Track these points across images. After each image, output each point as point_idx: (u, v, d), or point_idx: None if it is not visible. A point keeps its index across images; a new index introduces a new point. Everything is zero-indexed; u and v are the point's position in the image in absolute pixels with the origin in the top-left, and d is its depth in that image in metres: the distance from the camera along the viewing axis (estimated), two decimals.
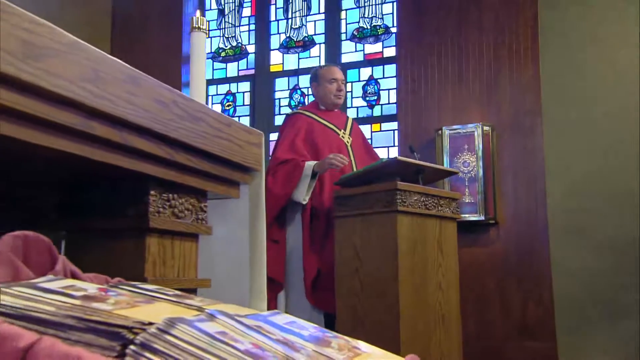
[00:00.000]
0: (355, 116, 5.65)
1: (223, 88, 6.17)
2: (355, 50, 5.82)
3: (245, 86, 6.12)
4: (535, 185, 4.87)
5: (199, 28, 2.09)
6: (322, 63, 5.86)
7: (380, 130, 5.57)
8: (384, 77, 5.67)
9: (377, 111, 5.63)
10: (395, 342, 2.69)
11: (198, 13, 2.09)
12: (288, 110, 5.94)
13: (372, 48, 5.77)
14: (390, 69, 5.64)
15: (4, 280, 0.86)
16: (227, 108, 6.12)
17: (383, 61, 5.71)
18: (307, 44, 5.96)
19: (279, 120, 5.95)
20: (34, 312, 0.73)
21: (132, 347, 0.68)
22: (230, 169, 1.57)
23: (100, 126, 1.14)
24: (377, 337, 2.77)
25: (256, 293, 1.64)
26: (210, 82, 6.20)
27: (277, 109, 6.01)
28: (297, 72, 5.96)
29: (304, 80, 5.93)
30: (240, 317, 0.82)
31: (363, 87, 5.69)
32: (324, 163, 3.31)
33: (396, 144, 5.43)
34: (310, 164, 3.35)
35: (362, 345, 0.89)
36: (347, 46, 5.85)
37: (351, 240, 2.88)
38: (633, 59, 4.65)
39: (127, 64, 1.23)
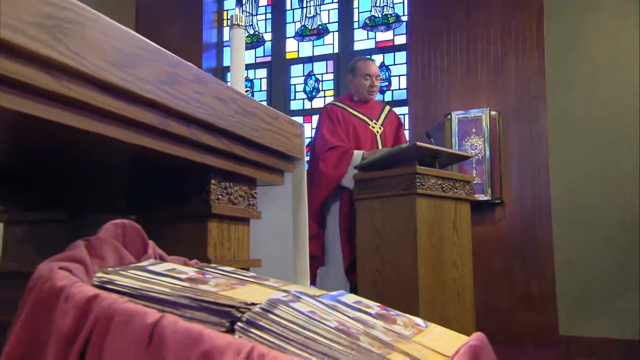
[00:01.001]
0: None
1: None
2: (367, 38, 5.85)
3: (262, 72, 6.16)
4: (539, 167, 4.93)
5: (238, 25, 2.15)
6: (336, 50, 5.91)
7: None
8: (394, 64, 5.71)
9: (388, 96, 5.67)
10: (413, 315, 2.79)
11: (237, 11, 2.15)
12: (303, 96, 6.00)
13: (384, 36, 5.79)
14: (401, 56, 5.69)
15: (113, 264, 0.94)
16: (245, 93, 6.16)
17: (394, 48, 5.74)
18: (321, 32, 5.99)
19: (294, 105, 6.01)
20: (152, 293, 0.81)
21: (239, 324, 0.76)
22: (277, 158, 1.65)
23: (175, 124, 1.21)
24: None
25: (300, 271, 1.73)
26: (228, 69, 6.24)
27: (292, 94, 6.05)
28: (311, 59, 6.00)
29: (318, 67, 5.98)
30: (318, 298, 0.90)
31: None
32: (374, 153, 3.41)
33: (407, 127, 5.48)
34: (359, 153, 3.45)
35: (420, 321, 0.97)
36: (359, 34, 5.88)
37: (372, 221, 2.96)
38: (635, 46, 4.68)
39: (194, 65, 1.29)
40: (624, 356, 4.55)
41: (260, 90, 6.14)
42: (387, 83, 5.69)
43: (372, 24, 5.79)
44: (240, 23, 2.14)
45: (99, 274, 0.85)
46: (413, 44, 5.41)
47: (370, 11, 5.81)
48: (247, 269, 1.58)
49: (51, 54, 0.88)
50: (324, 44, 6.00)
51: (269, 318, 0.75)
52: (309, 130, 5.88)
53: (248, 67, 6.17)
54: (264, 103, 5.93)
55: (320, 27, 5.99)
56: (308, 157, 3.90)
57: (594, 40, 4.85)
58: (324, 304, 0.87)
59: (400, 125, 3.97)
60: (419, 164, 2.94)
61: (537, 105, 4.95)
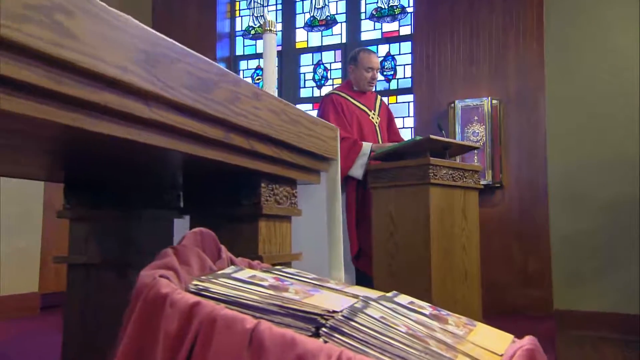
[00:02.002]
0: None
1: (253, 63, 6.25)
2: (374, 29, 5.87)
3: None
4: (536, 152, 5.00)
5: (270, 30, 2.20)
6: (344, 40, 5.94)
7: (397, 102, 5.68)
8: (400, 54, 5.75)
9: (393, 85, 5.72)
10: (427, 298, 2.88)
11: (269, 16, 2.20)
12: (312, 84, 6.04)
13: (390, 27, 5.82)
14: (406, 46, 5.72)
15: (197, 268, 1.02)
16: (257, 81, 6.20)
17: (399, 39, 5.77)
18: (330, 22, 6.02)
19: (304, 93, 6.05)
20: (243, 300, 0.89)
21: (324, 329, 0.84)
22: (316, 160, 1.72)
23: (235, 136, 1.28)
24: (410, 293, 2.96)
25: (334, 263, 1.81)
26: (241, 58, 6.28)
27: (302, 82, 6.09)
28: (320, 49, 6.03)
29: (327, 56, 6.01)
30: (381, 302, 0.99)
31: (381, 62, 5.76)
32: (384, 147, 3.45)
33: (411, 114, 5.55)
34: (367, 145, 3.50)
35: (467, 320, 1.05)
36: (366, 25, 5.90)
37: (387, 209, 3.03)
38: (634, 36, 4.72)
39: (251, 82, 1.36)
40: (613, 328, 4.66)
41: None
42: (392, 72, 5.73)
43: (378, 15, 5.82)
44: (273, 29, 2.19)
45: (195, 282, 0.93)
46: (418, 35, 5.45)
47: (377, 2, 5.83)
48: (289, 263, 1.67)
49: (148, 87, 0.96)
50: (332, 34, 6.03)
51: (350, 325, 0.83)
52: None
53: (260, 55, 6.22)
54: (275, 90, 6.03)
55: (329, 17, 6.02)
56: None
57: (593, 30, 4.88)
58: (387, 307, 0.95)
59: (391, 116, 4.00)
60: (430, 155, 3.02)
61: (536, 94, 5.01)
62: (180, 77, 1.04)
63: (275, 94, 2.30)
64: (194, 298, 0.87)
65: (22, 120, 0.82)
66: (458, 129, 5.07)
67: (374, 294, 1.07)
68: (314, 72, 6.04)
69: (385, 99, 5.58)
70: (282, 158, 1.51)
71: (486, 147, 5.00)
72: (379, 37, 5.83)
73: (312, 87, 6.03)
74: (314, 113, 5.84)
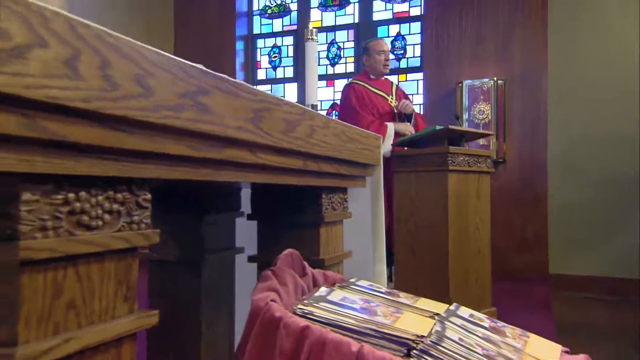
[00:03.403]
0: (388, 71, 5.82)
1: (270, 41, 6.26)
2: (385, 9, 5.88)
3: (289, 40, 6.21)
4: (538, 129, 5.10)
5: (312, 39, 2.28)
6: (356, 20, 5.96)
7: (406, 80, 5.74)
8: (410, 34, 5.77)
9: (403, 64, 5.76)
10: (444, 273, 3.04)
11: (310, 25, 2.27)
12: (326, 62, 6.08)
13: (400, 7, 5.83)
14: (416, 26, 5.75)
15: (292, 287, 1.14)
16: (273, 59, 6.24)
17: (410, 19, 5.79)
18: (343, 2, 6.01)
19: (318, 70, 6.07)
20: (343, 324, 1.01)
21: (415, 351, 0.97)
22: (364, 169, 1.83)
23: (310, 162, 1.39)
24: (429, 268, 3.11)
25: (378, 257, 1.94)
26: (258, 36, 6.29)
27: (317, 60, 6.12)
28: (334, 28, 6.04)
29: (340, 35, 6.03)
30: (451, 319, 1.11)
31: (392, 42, 5.80)
32: (406, 130, 3.57)
33: (420, 92, 5.62)
34: (391, 125, 3.62)
35: (521, 331, 1.18)
36: (377, 5, 5.91)
37: (407, 191, 3.15)
38: (634, 23, 4.77)
39: (323, 115, 1.46)
40: (602, 290, 4.84)
41: (287, 57, 6.20)
42: (402, 51, 5.77)
43: None
44: (314, 37, 2.26)
45: (300, 306, 1.05)
46: (428, 15, 5.47)
47: None
48: (342, 262, 1.79)
49: (255, 139, 1.06)
50: (345, 14, 6.03)
51: (437, 349, 0.96)
52: (331, 93, 6.01)
53: (276, 34, 6.23)
54: (291, 68, 6.08)
55: None
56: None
57: (594, 15, 4.91)
58: (458, 326, 1.08)
59: (406, 96, 4.10)
60: (448, 141, 3.13)
61: (539, 74, 5.08)
62: (275, 123, 1.14)
63: (316, 96, 2.40)
64: (304, 322, 1.00)
65: (165, 180, 0.92)
66: (465, 107, 5.15)
67: (439, 307, 1.20)
68: (328, 50, 6.07)
69: (395, 77, 5.65)
70: (341, 172, 1.62)
71: (491, 125, 5.10)
72: (390, 17, 5.85)
73: (326, 65, 6.07)
74: (329, 90, 5.91)
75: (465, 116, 5.10)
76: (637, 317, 3.85)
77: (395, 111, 3.86)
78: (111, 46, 0.71)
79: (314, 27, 2.30)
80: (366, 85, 3.87)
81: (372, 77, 3.95)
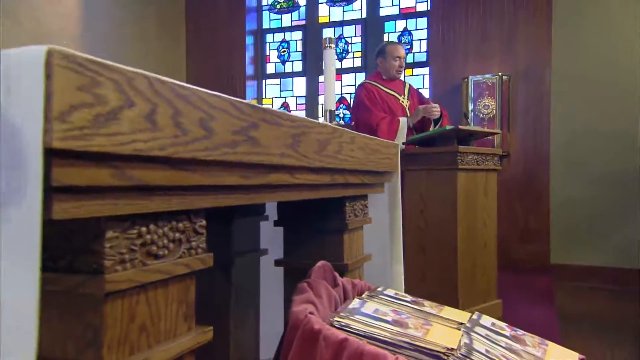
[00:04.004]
0: (401, 77, 5.86)
1: (279, 36, 6.29)
2: (392, 5, 5.89)
3: (297, 35, 6.23)
4: (541, 123, 5.15)
5: (330, 47, 2.33)
6: (364, 15, 5.98)
7: (412, 75, 5.77)
8: (416, 29, 5.80)
9: (409, 58, 5.79)
10: (453, 268, 3.11)
11: (329, 33, 2.31)
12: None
13: (407, 2, 5.84)
14: (422, 22, 5.76)
15: (326, 298, 1.21)
16: (282, 53, 6.27)
17: (416, 14, 5.80)
18: None
19: None
20: (378, 336, 1.08)
21: None
22: (383, 176, 1.89)
23: (339, 177, 1.45)
24: (438, 263, 3.18)
25: (395, 258, 2.01)
26: (267, 31, 6.32)
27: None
28: (342, 23, 6.06)
29: (348, 30, 6.06)
30: (476, 328, 1.18)
31: (398, 37, 5.82)
32: (417, 114, 3.62)
33: (426, 86, 5.66)
34: (404, 119, 3.66)
35: (540, 339, 1.25)
36: (384, 1, 5.91)
37: (418, 189, 3.21)
38: (634, 20, 4.80)
39: (349, 130, 1.52)
40: (602, 280, 4.92)
41: (296, 51, 6.24)
42: (409, 46, 5.80)
43: None
44: (332, 45, 2.31)
45: (337, 319, 1.12)
46: (434, 11, 5.49)
47: None
48: (362, 265, 1.86)
49: (294, 162, 1.12)
50: (352, 10, 6.05)
51: None
52: (339, 87, 6.05)
53: (285, 29, 6.26)
54: (299, 63, 6.11)
55: None
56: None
57: (597, 11, 4.94)
58: (482, 335, 1.15)
59: (422, 97, 4.12)
60: (457, 141, 3.19)
61: (543, 69, 5.11)
62: (310, 145, 1.21)
63: (334, 102, 2.45)
64: (342, 334, 1.06)
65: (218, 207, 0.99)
66: (471, 101, 5.20)
67: (463, 317, 1.27)
68: (336, 45, 6.09)
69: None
70: (364, 182, 1.68)
71: (496, 120, 5.14)
72: (397, 12, 5.86)
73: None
74: (337, 84, 5.95)
75: (470, 110, 5.15)
76: (638, 307, 3.93)
77: (407, 110, 3.90)
78: (181, 96, 0.77)
79: (331, 39, 2.34)
80: (378, 85, 3.91)
81: (384, 78, 3.98)
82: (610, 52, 4.88)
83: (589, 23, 4.96)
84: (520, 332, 1.25)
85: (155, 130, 0.71)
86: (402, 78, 4.21)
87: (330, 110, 2.32)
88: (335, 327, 1.11)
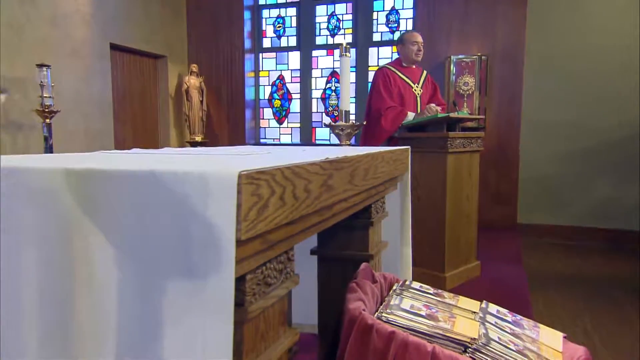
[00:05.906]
0: (380, 39, 5.97)
1: (274, 12, 6.34)
2: None
3: (292, 11, 6.28)
4: (514, 101, 5.39)
5: (346, 55, 2.49)
6: None
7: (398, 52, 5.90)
8: (403, 8, 5.90)
9: (397, 36, 5.90)
10: (442, 236, 3.39)
11: (344, 42, 2.48)
12: (326, 32, 6.20)
13: None
14: (409, 1, 5.86)
15: (370, 295, 1.45)
16: (277, 29, 6.33)
17: None
18: None
19: (319, 40, 6.21)
20: (417, 329, 1.33)
21: (469, 350, 1.29)
22: (398, 176, 2.11)
23: (373, 190, 1.67)
24: (430, 232, 3.45)
25: (405, 242, 2.24)
26: (263, 7, 6.35)
27: (317, 31, 6.24)
28: (334, 1, 6.12)
29: (340, 8, 6.13)
30: (488, 318, 1.43)
31: (386, 15, 5.93)
32: (423, 115, 3.75)
33: None
34: (412, 114, 3.80)
35: (534, 323, 1.51)
36: None
37: (412, 169, 3.42)
38: (606, 5, 4.99)
39: (376, 151, 1.72)
40: (563, 236, 5.29)
41: (291, 27, 6.30)
42: (396, 24, 5.91)
43: None
44: (348, 54, 2.48)
45: (384, 314, 1.36)
46: None
47: None
48: (380, 251, 2.09)
49: (351, 193, 1.34)
50: None
51: (487, 349, 1.28)
52: (330, 62, 6.17)
53: (280, 5, 6.30)
54: (294, 38, 6.19)
55: None
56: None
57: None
58: (494, 324, 1.40)
59: (435, 87, 4.20)
60: (446, 127, 3.42)
61: (517, 49, 5.31)
62: (359, 175, 1.42)
63: (349, 105, 2.63)
64: (390, 327, 1.31)
65: None
66: (452, 79, 5.39)
67: (474, 305, 1.52)
68: (328, 22, 6.17)
69: (388, 49, 5.82)
70: (386, 187, 1.90)
71: (474, 96, 5.36)
72: None
73: (326, 35, 6.19)
74: (328, 59, 6.06)
75: (452, 87, 5.35)
76: (587, 258, 4.35)
77: (419, 99, 3.96)
78: (296, 174, 0.97)
79: (347, 44, 2.50)
80: (396, 71, 4.00)
81: (404, 64, 4.06)
82: (582, 32, 5.09)
83: (562, 3, 5.15)
84: (518, 317, 1.52)
85: (283, 205, 0.92)
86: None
87: (345, 111, 2.50)
88: (383, 321, 1.35)
